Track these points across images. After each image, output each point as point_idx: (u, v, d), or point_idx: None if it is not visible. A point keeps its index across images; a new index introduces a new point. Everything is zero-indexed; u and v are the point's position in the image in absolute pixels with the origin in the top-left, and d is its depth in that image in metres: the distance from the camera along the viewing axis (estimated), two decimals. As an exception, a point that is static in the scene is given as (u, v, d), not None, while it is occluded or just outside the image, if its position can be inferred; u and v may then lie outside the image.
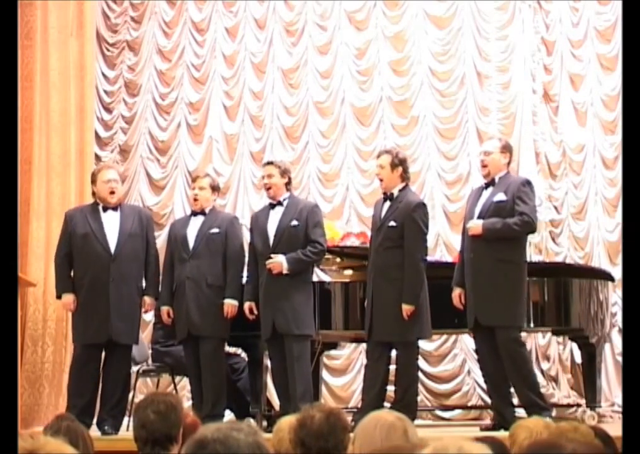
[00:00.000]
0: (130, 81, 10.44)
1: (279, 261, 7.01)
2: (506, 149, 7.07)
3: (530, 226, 6.89)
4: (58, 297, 7.41)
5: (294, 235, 7.14)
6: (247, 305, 7.21)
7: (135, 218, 7.45)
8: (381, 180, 7.18)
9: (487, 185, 7.02)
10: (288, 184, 7.31)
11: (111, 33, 10.48)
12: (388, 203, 7.10)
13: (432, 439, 2.49)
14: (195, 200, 7.45)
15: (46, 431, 3.72)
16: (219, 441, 2.31)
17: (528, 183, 7.02)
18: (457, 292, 7.01)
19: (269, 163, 7.40)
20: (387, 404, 7.19)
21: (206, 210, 7.45)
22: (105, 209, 7.35)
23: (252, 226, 7.40)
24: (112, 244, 7.28)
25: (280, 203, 7.25)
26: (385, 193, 7.16)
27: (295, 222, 7.16)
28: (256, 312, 7.20)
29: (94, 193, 7.44)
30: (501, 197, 6.88)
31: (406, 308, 6.87)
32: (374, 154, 8.50)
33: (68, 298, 7.26)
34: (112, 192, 7.34)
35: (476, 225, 6.85)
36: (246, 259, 7.38)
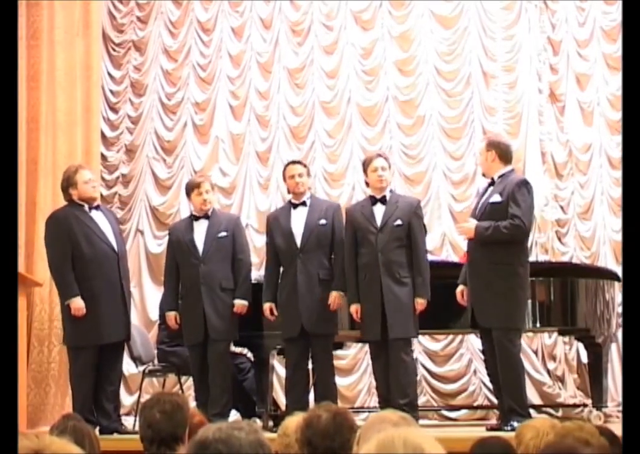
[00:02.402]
0: (136, 81, 10.44)
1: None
2: (490, 146, 6.93)
3: (521, 230, 6.73)
4: (65, 301, 7.24)
5: (322, 233, 7.19)
6: (267, 306, 7.23)
7: (111, 217, 7.57)
8: (381, 182, 7.19)
9: (489, 185, 7.00)
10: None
11: (117, 33, 10.48)
12: (380, 205, 7.14)
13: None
14: (206, 204, 7.43)
15: (53, 431, 3.72)
16: (221, 441, 2.32)
17: (524, 183, 6.87)
18: (459, 289, 7.01)
19: (297, 163, 7.47)
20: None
21: (209, 213, 7.45)
22: (90, 209, 7.33)
23: (271, 227, 7.38)
24: (113, 244, 7.30)
25: (302, 203, 7.30)
26: (373, 197, 7.21)
27: (323, 221, 7.20)
28: (276, 313, 7.24)
29: (70, 196, 7.32)
30: (496, 198, 6.80)
31: (421, 302, 6.94)
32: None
33: (80, 302, 7.13)
34: (94, 189, 7.42)
35: (469, 228, 6.84)
36: (251, 259, 7.41)
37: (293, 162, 7.54)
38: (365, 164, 7.29)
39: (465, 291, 6.97)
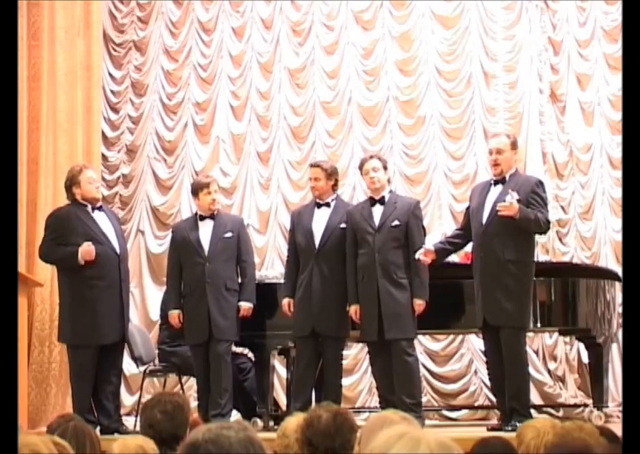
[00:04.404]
0: (136, 81, 10.44)
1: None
2: (515, 145, 7.04)
3: (548, 229, 7.01)
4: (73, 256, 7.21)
5: (341, 236, 7.20)
6: (286, 301, 7.27)
7: (114, 217, 7.58)
8: (373, 183, 7.20)
9: (496, 182, 6.95)
10: (334, 186, 7.40)
11: (117, 33, 10.49)
12: (379, 206, 7.15)
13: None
14: (214, 204, 7.44)
15: (53, 432, 3.72)
16: (210, 441, 2.32)
17: (542, 183, 6.99)
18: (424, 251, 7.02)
19: (316, 166, 7.45)
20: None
21: (214, 213, 7.46)
22: (93, 209, 7.34)
23: (294, 223, 7.43)
24: (115, 245, 7.30)
25: (327, 204, 7.32)
26: (372, 198, 7.22)
27: (343, 225, 7.22)
28: (292, 309, 7.26)
29: (73, 195, 7.34)
30: (514, 196, 6.79)
31: (419, 303, 6.94)
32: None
33: (89, 246, 7.13)
34: (97, 190, 7.43)
35: (514, 206, 6.59)
36: (256, 259, 7.44)
37: (312, 165, 7.54)
38: (359, 168, 7.38)
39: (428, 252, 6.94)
